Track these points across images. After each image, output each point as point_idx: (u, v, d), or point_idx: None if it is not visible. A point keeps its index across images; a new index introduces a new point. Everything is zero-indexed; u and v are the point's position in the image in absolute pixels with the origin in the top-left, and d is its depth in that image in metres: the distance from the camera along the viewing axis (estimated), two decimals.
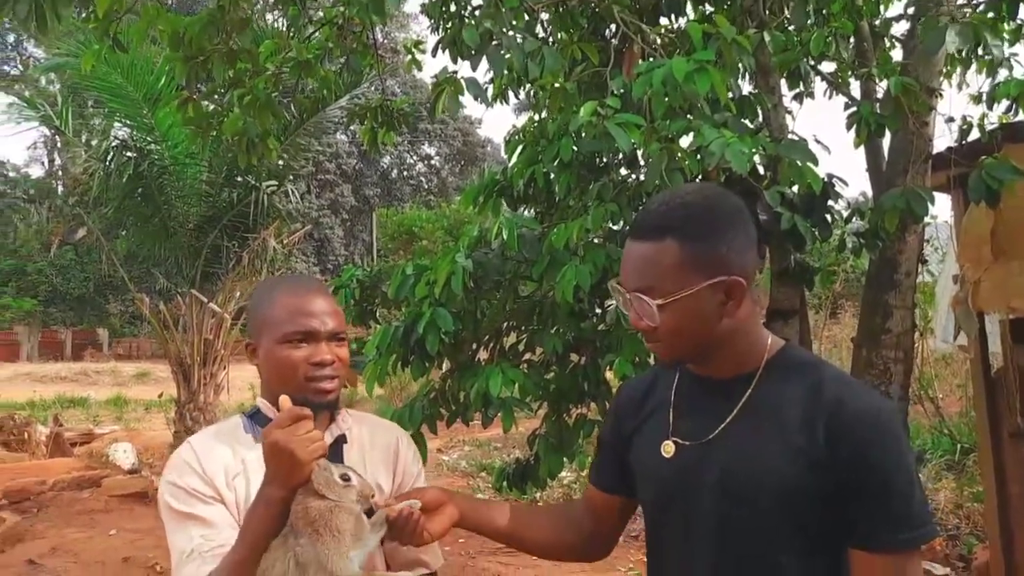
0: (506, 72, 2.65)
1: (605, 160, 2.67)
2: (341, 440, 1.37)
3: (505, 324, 2.85)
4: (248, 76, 2.58)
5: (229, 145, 5.80)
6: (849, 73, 3.23)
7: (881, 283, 2.81)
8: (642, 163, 2.55)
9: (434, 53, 2.98)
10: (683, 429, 1.21)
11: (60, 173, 31.94)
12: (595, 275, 2.26)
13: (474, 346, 2.79)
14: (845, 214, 2.69)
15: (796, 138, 2.56)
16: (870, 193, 3.02)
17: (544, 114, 2.76)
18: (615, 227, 2.44)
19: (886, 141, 2.89)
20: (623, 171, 2.74)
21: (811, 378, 1.14)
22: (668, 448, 1.21)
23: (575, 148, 2.48)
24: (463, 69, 2.44)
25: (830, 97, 3.20)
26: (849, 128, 2.34)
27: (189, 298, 8.54)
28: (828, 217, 2.67)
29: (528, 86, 3.04)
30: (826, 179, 2.69)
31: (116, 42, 2.44)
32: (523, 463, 3.11)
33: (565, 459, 2.79)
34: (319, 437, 1.20)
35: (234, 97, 2.56)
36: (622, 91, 2.29)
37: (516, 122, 3.32)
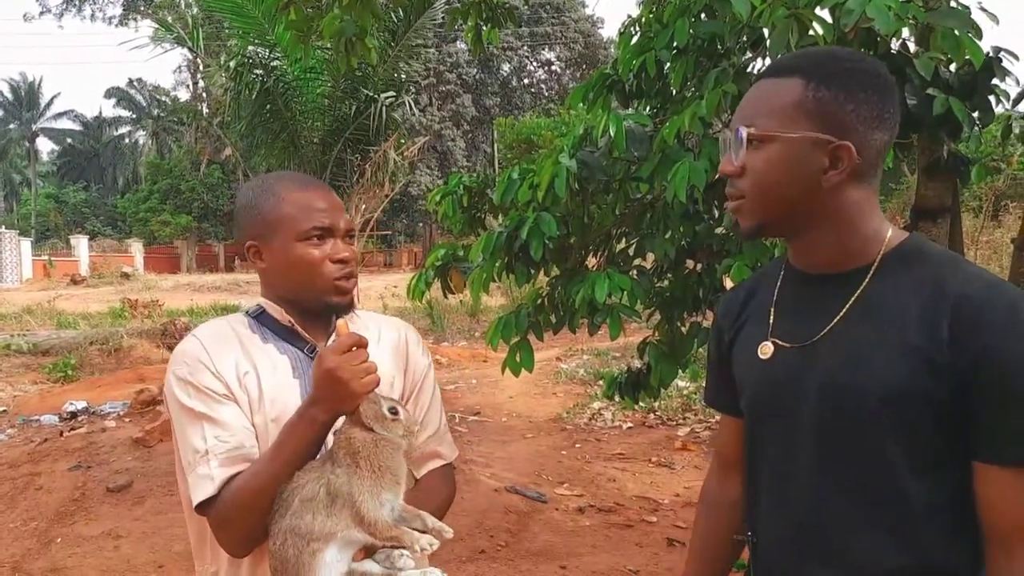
0: None
1: (727, 45, 2.41)
2: None
3: (615, 229, 2.72)
4: None
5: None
6: None
7: None
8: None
9: None
10: (783, 329, 1.08)
11: (204, 95, 33.81)
12: (711, 172, 2.07)
13: (582, 252, 2.70)
14: (1013, 95, 2.31)
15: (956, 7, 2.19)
16: None
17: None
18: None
19: None
20: (747, 56, 2.47)
21: (934, 272, 0.97)
22: (766, 349, 1.08)
23: (692, 31, 2.25)
24: None
25: None
26: None
27: None
28: (992, 99, 2.32)
29: None
30: (991, 53, 2.31)
31: None
32: (635, 372, 3.04)
33: (679, 368, 2.70)
34: (374, 368, 1.15)
35: None
36: None
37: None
